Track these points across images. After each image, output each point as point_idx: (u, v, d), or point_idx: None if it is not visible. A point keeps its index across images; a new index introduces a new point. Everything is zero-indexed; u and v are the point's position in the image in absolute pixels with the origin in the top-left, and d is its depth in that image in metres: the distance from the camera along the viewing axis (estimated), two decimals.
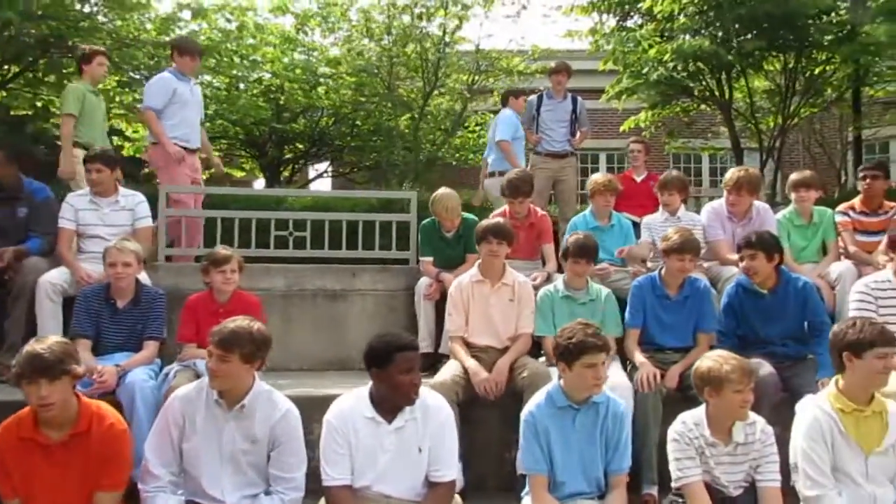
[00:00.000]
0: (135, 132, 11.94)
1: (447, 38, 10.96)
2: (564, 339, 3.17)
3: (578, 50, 10.52)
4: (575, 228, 5.11)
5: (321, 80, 11.22)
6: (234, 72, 9.91)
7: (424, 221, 5.23)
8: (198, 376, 3.62)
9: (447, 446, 3.15)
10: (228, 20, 10.76)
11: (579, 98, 7.27)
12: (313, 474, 3.13)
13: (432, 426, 3.12)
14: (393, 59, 10.87)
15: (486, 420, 4.00)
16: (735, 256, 4.37)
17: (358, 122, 11.76)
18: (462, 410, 3.89)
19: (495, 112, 12.68)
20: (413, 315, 5.05)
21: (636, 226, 5.50)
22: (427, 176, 11.12)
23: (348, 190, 11.97)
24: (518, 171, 5.19)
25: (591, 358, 3.12)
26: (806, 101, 9.25)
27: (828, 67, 8.84)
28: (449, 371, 4.01)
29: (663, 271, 4.30)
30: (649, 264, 5.00)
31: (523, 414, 3.32)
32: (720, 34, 8.19)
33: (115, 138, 12.69)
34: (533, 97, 7.42)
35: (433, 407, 3.16)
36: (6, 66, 9.31)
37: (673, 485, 3.19)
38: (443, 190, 5.15)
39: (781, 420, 3.39)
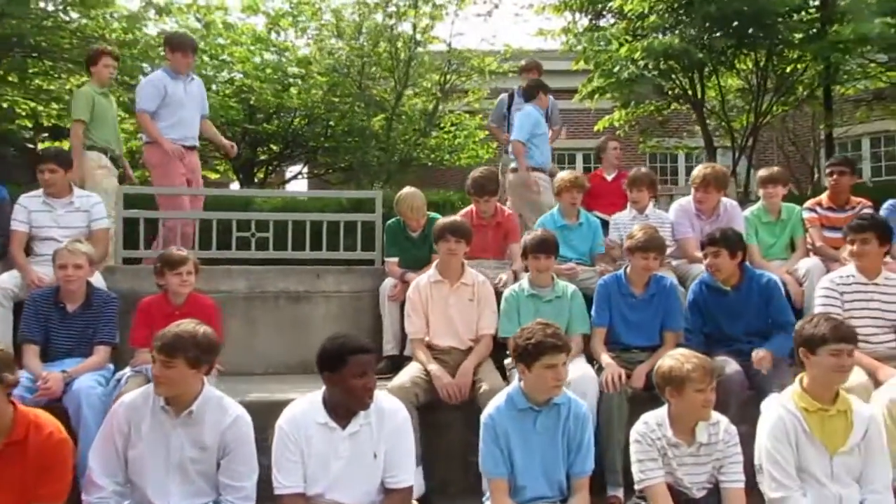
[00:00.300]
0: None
1: (419, 37, 10.87)
2: (523, 340, 3.09)
3: (551, 50, 10.49)
4: (543, 227, 5.04)
5: (292, 80, 11.09)
6: (204, 71, 9.74)
7: (389, 221, 5.13)
8: (150, 382, 3.49)
9: (403, 451, 3.06)
10: (198, 19, 10.61)
11: (551, 96, 7.20)
12: (270, 481, 3.02)
13: (387, 431, 3.03)
14: (364, 59, 10.76)
15: (449, 423, 3.91)
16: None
17: (331, 123, 11.63)
18: (423, 414, 3.81)
19: (471, 112, 12.78)
20: (379, 316, 4.95)
21: (606, 224, 5.45)
22: (402, 177, 11.02)
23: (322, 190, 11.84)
24: (483, 170, 5.11)
25: (551, 359, 3.04)
26: (778, 99, 9.27)
27: (799, 65, 8.86)
28: (408, 373, 3.92)
29: (629, 270, 4.24)
30: (618, 262, 4.95)
31: (483, 416, 3.23)
32: (691, 32, 8.16)
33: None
34: (504, 95, 7.36)
35: (388, 411, 3.07)
36: None
37: (635, 487, 3.12)
38: (407, 189, 5.06)
39: (748, 418, 3.34)
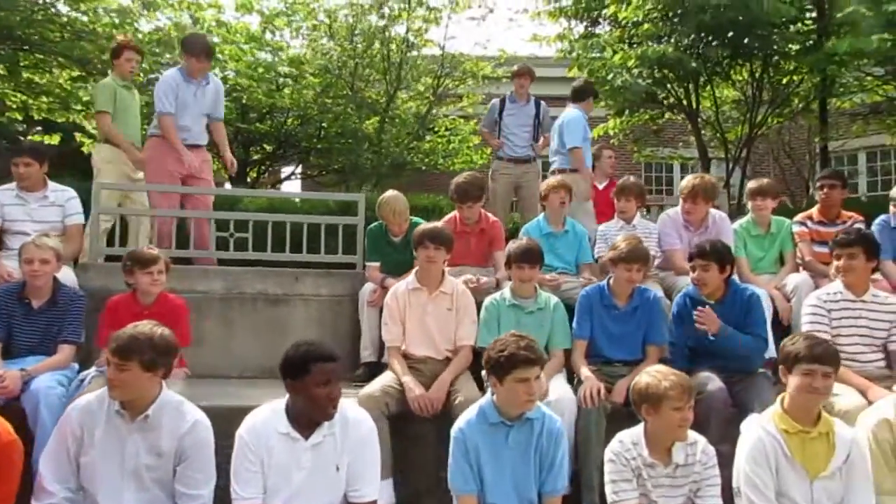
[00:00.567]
0: (95, 129, 11.62)
1: (412, 38, 10.76)
2: (496, 352, 2.99)
3: (546, 56, 10.41)
4: (528, 234, 4.94)
5: (283, 79, 10.97)
6: None
7: (371, 225, 5.02)
8: None
9: (368, 464, 2.97)
10: (190, 17, 10.48)
11: (543, 103, 7.12)
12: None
13: (352, 442, 2.94)
14: (356, 60, 10.65)
15: (422, 435, 3.79)
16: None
17: (324, 125, 11.53)
18: (396, 424, 3.70)
19: (465, 117, 12.69)
20: (358, 322, 4.83)
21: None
22: (395, 180, 10.91)
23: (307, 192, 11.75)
24: (467, 175, 5.00)
25: (523, 372, 2.93)
26: (773, 110, 9.19)
27: (795, 77, 8.78)
28: (379, 382, 3.80)
29: (612, 281, 4.14)
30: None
31: (453, 430, 3.13)
32: (685, 41, 8.08)
33: (77, 135, 12.46)
34: (495, 100, 7.27)
35: (353, 421, 2.97)
36: None
37: None
38: (390, 193, 4.95)
39: (731, 437, 3.23)
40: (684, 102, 9.10)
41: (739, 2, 7.41)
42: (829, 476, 2.91)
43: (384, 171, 10.80)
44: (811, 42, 8.29)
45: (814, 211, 5.11)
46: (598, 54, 8.42)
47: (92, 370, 3.73)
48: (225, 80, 11.13)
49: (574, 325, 4.14)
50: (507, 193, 7.00)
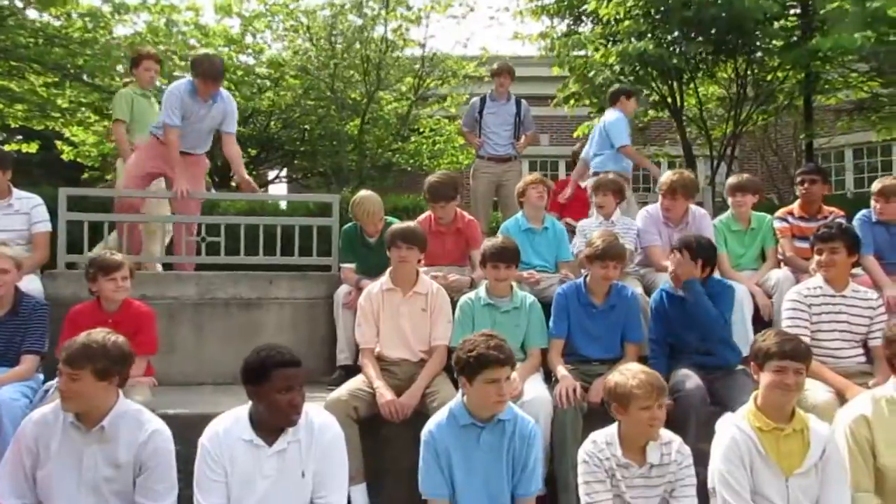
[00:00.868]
0: (74, 136, 11.51)
1: (391, 36, 10.69)
2: (464, 353, 2.91)
3: (528, 56, 10.35)
4: (506, 232, 4.87)
5: (262, 81, 10.88)
6: (175, 73, 9.53)
7: (346, 226, 4.94)
8: None
9: (334, 470, 2.88)
10: (175, 22, 10.40)
11: (523, 101, 7.06)
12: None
13: (317, 448, 2.85)
14: (335, 61, 10.56)
15: (396, 438, 3.71)
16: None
17: (307, 127, 11.44)
18: (368, 427, 3.63)
19: (449, 118, 12.62)
20: (334, 324, 4.76)
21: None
22: (380, 182, 10.84)
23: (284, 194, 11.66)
24: (441, 174, 4.92)
25: (493, 373, 2.86)
26: (757, 107, 9.14)
27: (779, 74, 8.74)
28: (348, 386, 3.71)
29: (588, 279, 4.06)
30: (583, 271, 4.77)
31: (423, 433, 3.05)
32: (668, 38, 8.02)
33: (57, 142, 12.33)
34: (475, 99, 7.21)
35: (319, 427, 2.88)
36: None
37: None
38: (363, 193, 4.86)
39: (710, 435, 3.14)
40: (668, 100, 9.05)
41: None
42: (805, 473, 2.84)
43: (368, 173, 10.72)
44: (795, 38, 8.24)
45: (795, 206, 5.05)
46: (580, 52, 8.34)
47: (55, 381, 3.60)
48: None
49: (550, 323, 4.06)
50: (489, 192, 6.94)
